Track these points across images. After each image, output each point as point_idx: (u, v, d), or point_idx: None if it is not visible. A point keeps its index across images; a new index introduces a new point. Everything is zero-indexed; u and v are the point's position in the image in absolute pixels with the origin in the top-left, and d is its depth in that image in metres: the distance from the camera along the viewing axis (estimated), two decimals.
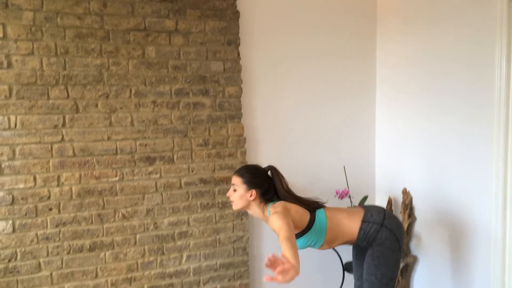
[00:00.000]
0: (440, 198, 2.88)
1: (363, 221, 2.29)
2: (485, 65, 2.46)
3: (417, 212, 3.08)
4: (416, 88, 3.02)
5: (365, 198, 3.11)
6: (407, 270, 3.14)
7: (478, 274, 2.64)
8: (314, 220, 2.27)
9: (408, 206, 3.07)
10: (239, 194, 2.31)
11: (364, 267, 2.32)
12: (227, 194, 2.39)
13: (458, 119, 2.70)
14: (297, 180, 3.21)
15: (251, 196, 2.30)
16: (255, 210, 2.34)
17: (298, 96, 3.17)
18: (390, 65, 3.26)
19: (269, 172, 2.40)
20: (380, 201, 3.42)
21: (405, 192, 3.11)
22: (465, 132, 2.65)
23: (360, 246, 2.40)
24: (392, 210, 3.20)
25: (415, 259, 3.11)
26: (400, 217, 3.14)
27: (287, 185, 2.36)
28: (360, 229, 2.28)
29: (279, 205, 2.23)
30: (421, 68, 2.96)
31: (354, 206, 2.60)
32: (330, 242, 2.31)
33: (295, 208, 2.25)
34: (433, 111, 2.88)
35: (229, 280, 2.99)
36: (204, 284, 2.92)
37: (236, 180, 2.32)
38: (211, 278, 2.93)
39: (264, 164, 3.10)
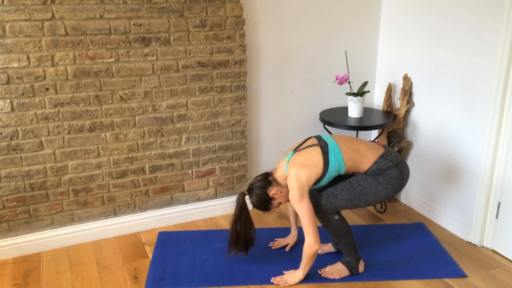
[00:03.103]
0: (440, 88, 2.86)
1: (381, 156, 2.28)
2: None
3: (416, 99, 3.08)
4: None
5: (365, 83, 3.08)
6: (401, 154, 3.23)
7: (469, 163, 2.72)
8: (328, 153, 2.24)
9: (407, 92, 3.06)
10: (280, 201, 2.35)
11: (358, 175, 2.30)
12: (284, 202, 2.38)
13: (465, 9, 2.56)
14: (295, 64, 3.17)
15: (276, 193, 2.31)
16: (283, 183, 2.32)
17: None
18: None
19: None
20: (380, 87, 3.40)
21: (405, 78, 3.07)
22: (471, 23, 2.53)
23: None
24: (391, 96, 3.20)
25: (409, 144, 3.18)
26: (399, 103, 3.14)
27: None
28: (376, 161, 2.26)
29: (292, 174, 2.23)
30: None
31: (376, 142, 2.54)
32: (353, 168, 2.28)
33: (306, 161, 2.25)
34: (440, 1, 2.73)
35: (228, 161, 3.09)
36: (203, 164, 3.02)
37: (268, 207, 2.37)
38: (210, 159, 3.03)
39: (263, 48, 3.03)
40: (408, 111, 3.13)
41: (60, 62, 2.49)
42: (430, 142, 3.01)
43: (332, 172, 2.25)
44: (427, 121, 3.01)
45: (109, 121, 2.69)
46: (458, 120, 2.75)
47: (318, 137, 2.36)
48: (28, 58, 2.41)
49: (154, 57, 2.69)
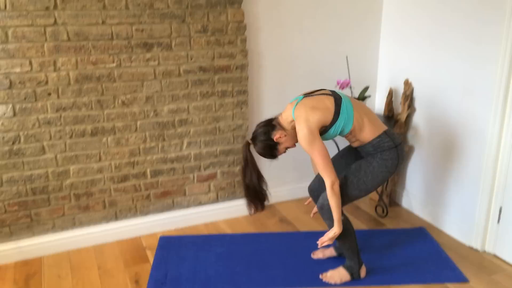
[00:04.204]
0: (441, 93, 2.86)
1: (385, 132, 2.23)
2: None
3: (417, 104, 3.08)
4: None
5: (366, 88, 3.09)
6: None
7: (470, 168, 2.71)
8: (341, 105, 2.17)
9: (408, 97, 3.06)
10: (286, 146, 2.26)
11: (352, 167, 2.27)
12: (292, 147, 2.31)
13: (464, 15, 2.57)
14: (296, 69, 3.18)
15: (280, 137, 2.22)
16: (293, 131, 2.24)
17: None
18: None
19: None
20: (381, 92, 3.41)
21: (407, 83, 3.07)
22: (472, 30, 2.54)
23: (360, 152, 2.35)
24: (392, 101, 3.20)
25: (410, 148, 3.18)
26: (400, 107, 3.15)
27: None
28: (379, 136, 2.21)
29: (301, 113, 2.15)
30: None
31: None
32: (357, 130, 2.21)
33: (316, 105, 2.17)
34: (440, 7, 2.74)
35: (229, 166, 3.09)
36: (204, 169, 3.03)
37: (274, 154, 2.29)
38: (211, 164, 3.04)
39: (264, 53, 3.04)
40: (409, 116, 3.13)
41: (62, 67, 2.50)
42: (431, 147, 3.01)
43: (339, 125, 2.17)
44: (428, 126, 3.01)
45: (111, 126, 2.70)
46: (459, 125, 2.75)
47: (332, 91, 2.28)
48: (30, 63, 2.43)
49: (156, 62, 2.71)
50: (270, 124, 2.24)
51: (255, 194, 2.31)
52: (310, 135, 2.10)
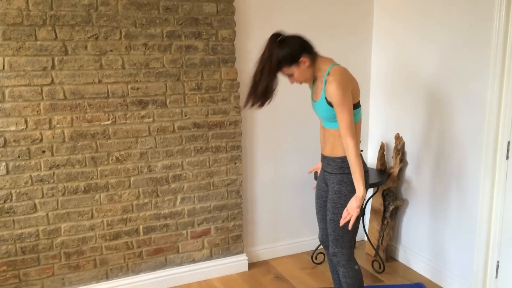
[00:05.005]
0: (431, 147, 2.90)
1: (360, 155, 2.18)
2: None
3: (409, 158, 3.11)
4: (413, 33, 2.95)
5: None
6: (397, 213, 3.22)
7: (465, 221, 2.71)
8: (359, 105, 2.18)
9: (400, 151, 3.10)
10: (297, 73, 2.13)
11: (328, 206, 2.24)
12: (290, 83, 2.20)
13: (453, 72, 2.67)
14: (289, 124, 3.22)
15: (304, 63, 2.10)
16: (312, 72, 2.16)
17: None
18: (389, 13, 3.18)
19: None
20: (373, 146, 3.45)
21: (397, 137, 3.12)
22: (458, 85, 2.63)
23: (324, 175, 2.31)
24: (384, 155, 3.23)
25: (404, 202, 3.18)
26: (392, 161, 3.17)
27: None
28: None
29: (338, 75, 2.07)
30: (418, 14, 2.89)
31: None
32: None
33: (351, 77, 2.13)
34: (430, 58, 2.84)
35: (223, 221, 3.06)
36: (198, 225, 2.99)
37: (286, 66, 2.11)
38: (205, 220, 3.01)
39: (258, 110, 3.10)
40: (401, 170, 3.16)
41: (58, 125, 2.53)
42: (425, 201, 3.01)
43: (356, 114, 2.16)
44: (420, 180, 3.03)
45: (104, 182, 2.69)
46: (450, 180, 2.77)
47: None
48: (26, 121, 2.46)
49: (151, 119, 2.74)
50: (310, 47, 2.14)
51: (264, 90, 2.11)
52: (343, 96, 2.03)
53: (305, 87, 3.21)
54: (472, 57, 2.53)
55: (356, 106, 2.16)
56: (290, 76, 2.17)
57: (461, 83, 2.63)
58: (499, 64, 2.37)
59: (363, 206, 2.23)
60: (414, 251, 3.15)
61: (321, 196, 2.39)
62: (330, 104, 2.10)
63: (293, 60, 2.10)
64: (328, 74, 2.10)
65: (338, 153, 2.20)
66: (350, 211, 2.09)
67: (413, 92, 3.00)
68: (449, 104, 2.73)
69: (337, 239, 2.23)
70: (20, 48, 2.40)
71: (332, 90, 2.05)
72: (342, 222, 2.11)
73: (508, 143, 2.42)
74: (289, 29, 3.04)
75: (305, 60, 2.11)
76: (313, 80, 2.26)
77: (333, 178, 2.22)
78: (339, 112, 2.06)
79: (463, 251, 2.74)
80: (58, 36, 2.46)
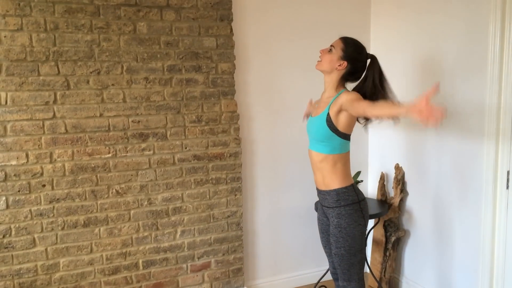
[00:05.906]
0: (431, 176, 2.91)
1: (353, 185, 2.23)
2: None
3: (409, 188, 3.11)
4: (409, 68, 3.01)
5: (358, 173, 3.13)
6: (399, 244, 3.19)
7: (468, 253, 2.68)
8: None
9: (400, 181, 3.10)
10: (330, 58, 2.21)
11: (331, 241, 2.24)
12: (320, 50, 2.27)
13: (450, 98, 2.70)
14: (289, 155, 3.24)
15: (340, 65, 2.19)
16: (332, 80, 2.24)
17: (292, 72, 3.16)
18: (384, 40, 3.24)
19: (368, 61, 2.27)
20: (373, 176, 3.45)
21: (397, 168, 3.13)
22: (458, 115, 2.66)
23: (327, 209, 2.28)
24: (384, 185, 3.23)
25: (406, 233, 3.15)
26: (392, 192, 3.17)
27: (381, 80, 2.18)
28: (346, 187, 2.19)
29: (355, 93, 2.14)
30: (413, 47, 2.95)
31: None
32: (340, 159, 2.21)
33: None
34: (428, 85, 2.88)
35: (223, 254, 3.03)
36: (198, 258, 2.96)
37: (338, 44, 2.21)
38: (206, 253, 2.98)
39: (257, 140, 3.12)
40: (402, 200, 3.15)
41: (58, 159, 2.54)
42: (426, 231, 2.99)
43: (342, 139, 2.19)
44: (421, 210, 3.02)
45: (103, 216, 2.68)
46: (451, 210, 2.76)
47: None
48: (27, 155, 2.46)
49: (151, 152, 2.75)
50: (359, 75, 2.25)
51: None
52: (356, 95, 2.10)
53: (300, 119, 3.25)
54: (469, 81, 2.57)
55: (348, 138, 2.22)
56: (328, 51, 2.23)
57: (458, 110, 2.66)
58: (495, 95, 2.40)
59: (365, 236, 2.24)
60: (417, 283, 3.10)
61: (324, 230, 2.40)
62: (329, 122, 2.14)
63: (350, 56, 2.19)
64: (342, 93, 2.18)
65: (331, 186, 2.21)
66: (427, 114, 1.72)
67: (412, 120, 3.03)
68: (448, 132, 2.75)
69: (344, 272, 2.22)
70: (23, 83, 2.43)
71: (347, 95, 2.11)
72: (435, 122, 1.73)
73: (508, 172, 2.43)
74: (288, 64, 3.09)
75: (345, 65, 2.19)
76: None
77: (332, 212, 2.23)
78: (357, 106, 2.05)
79: (467, 284, 2.70)
80: (60, 71, 2.50)
